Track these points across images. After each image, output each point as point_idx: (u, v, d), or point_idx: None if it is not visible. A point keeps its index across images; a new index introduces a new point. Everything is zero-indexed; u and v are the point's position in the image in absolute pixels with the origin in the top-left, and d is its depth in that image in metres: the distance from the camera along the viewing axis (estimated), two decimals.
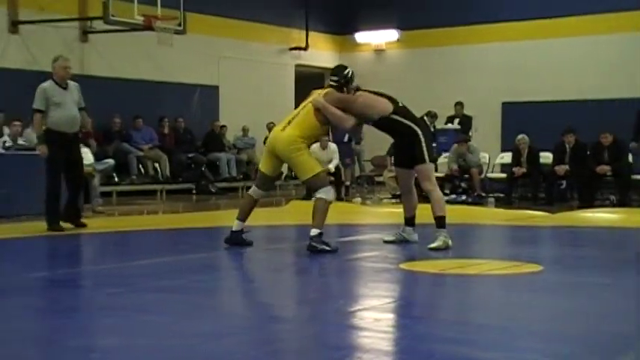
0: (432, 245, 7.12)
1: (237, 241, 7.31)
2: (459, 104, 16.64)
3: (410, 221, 7.60)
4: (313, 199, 7.32)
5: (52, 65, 9.00)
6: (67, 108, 8.83)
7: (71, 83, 9.01)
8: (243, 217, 7.33)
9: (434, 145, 14.44)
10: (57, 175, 8.90)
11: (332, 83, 7.26)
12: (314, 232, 6.94)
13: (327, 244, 6.93)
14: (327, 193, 7.00)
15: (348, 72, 7.31)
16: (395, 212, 9.52)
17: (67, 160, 8.88)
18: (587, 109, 16.67)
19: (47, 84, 8.88)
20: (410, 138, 7.26)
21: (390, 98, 7.32)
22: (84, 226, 9.11)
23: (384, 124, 7.30)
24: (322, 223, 6.95)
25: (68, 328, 4.37)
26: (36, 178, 10.91)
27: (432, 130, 15.60)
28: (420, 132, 7.24)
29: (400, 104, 7.31)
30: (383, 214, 11.39)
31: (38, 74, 14.43)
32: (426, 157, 7.24)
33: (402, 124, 7.24)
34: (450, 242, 7.18)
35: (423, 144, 7.23)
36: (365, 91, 7.36)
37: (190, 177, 16.55)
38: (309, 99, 7.25)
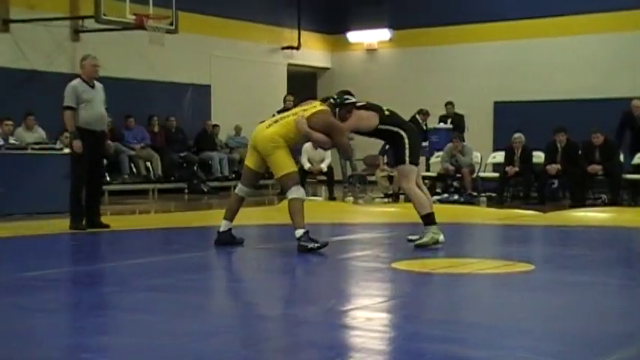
0: (419, 242, 7.07)
1: (226, 240, 7.29)
2: (450, 104, 16.61)
3: (427, 219, 7.50)
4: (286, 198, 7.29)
5: (82, 63, 8.97)
6: (96, 106, 8.80)
7: (97, 83, 8.98)
8: (230, 217, 7.31)
9: (426, 144, 14.54)
10: (83, 175, 8.83)
11: (331, 100, 7.27)
12: (299, 232, 6.93)
13: (315, 241, 6.91)
14: (296, 192, 6.99)
15: (348, 101, 7.29)
16: (387, 211, 9.55)
17: (92, 158, 8.82)
18: (578, 108, 16.70)
19: (76, 82, 8.82)
20: (396, 140, 7.29)
21: (375, 109, 7.31)
22: (107, 226, 8.98)
23: (370, 133, 7.36)
24: (302, 222, 6.94)
25: (59, 327, 4.37)
26: (27, 178, 10.93)
27: (424, 128, 15.62)
28: (405, 135, 7.24)
29: (386, 112, 7.29)
30: (375, 213, 11.37)
31: (29, 73, 14.52)
32: (407, 158, 7.22)
33: (387, 130, 7.28)
34: (439, 237, 7.10)
35: (407, 147, 7.22)
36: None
37: (182, 176, 16.53)
38: (305, 106, 7.25)
